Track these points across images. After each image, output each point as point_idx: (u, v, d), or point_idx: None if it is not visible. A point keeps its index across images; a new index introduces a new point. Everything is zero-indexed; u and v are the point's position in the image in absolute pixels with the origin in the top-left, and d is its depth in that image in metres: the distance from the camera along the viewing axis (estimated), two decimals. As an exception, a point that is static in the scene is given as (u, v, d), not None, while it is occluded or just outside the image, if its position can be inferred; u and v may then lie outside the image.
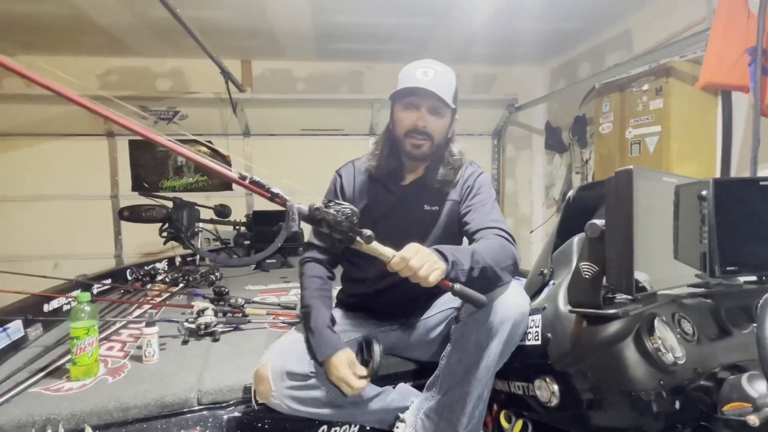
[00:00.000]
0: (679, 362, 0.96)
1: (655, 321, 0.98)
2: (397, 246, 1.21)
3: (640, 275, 0.95)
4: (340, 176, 1.46)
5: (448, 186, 1.37)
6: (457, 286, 1.03)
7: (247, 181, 0.92)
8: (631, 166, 0.87)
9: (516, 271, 1.20)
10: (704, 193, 1.04)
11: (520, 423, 1.29)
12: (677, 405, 0.98)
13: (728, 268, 1.04)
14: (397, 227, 1.32)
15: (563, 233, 1.30)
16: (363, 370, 1.19)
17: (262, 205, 4.13)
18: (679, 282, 1.12)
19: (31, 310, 1.81)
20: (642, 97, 2.78)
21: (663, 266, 1.06)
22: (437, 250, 1.06)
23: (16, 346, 1.64)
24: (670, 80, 2.60)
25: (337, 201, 1.00)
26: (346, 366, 1.16)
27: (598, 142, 3.24)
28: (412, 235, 1.32)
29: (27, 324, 1.73)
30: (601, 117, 3.15)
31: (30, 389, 1.31)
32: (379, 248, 1.03)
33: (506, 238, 1.22)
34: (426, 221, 1.36)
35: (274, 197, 0.95)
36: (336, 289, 1.54)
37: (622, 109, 2.96)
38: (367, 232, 1.00)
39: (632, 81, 2.84)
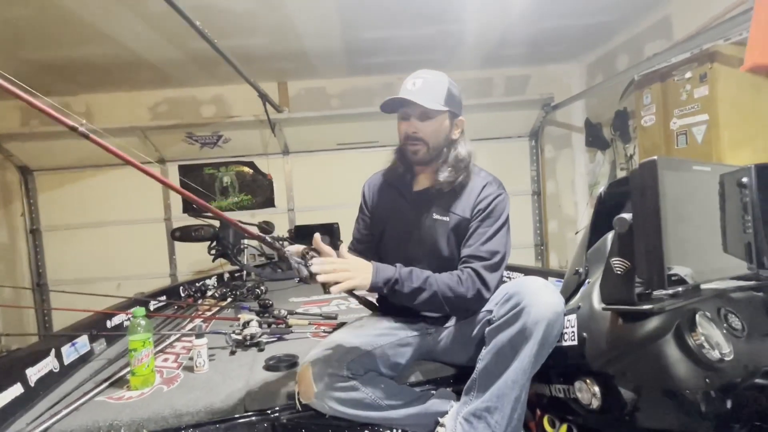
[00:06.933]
0: (727, 359, 0.91)
1: (697, 316, 0.94)
2: (408, 251, 1.40)
3: (681, 269, 0.91)
4: (366, 188, 1.60)
5: (456, 193, 1.39)
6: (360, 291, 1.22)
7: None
8: (655, 157, 0.85)
9: (469, 311, 1.32)
10: (745, 180, 0.99)
11: (564, 428, 1.26)
12: (728, 404, 0.93)
13: (777, 258, 0.98)
14: (408, 233, 1.42)
15: (597, 230, 1.27)
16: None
17: (303, 219, 4.27)
18: (726, 275, 1.06)
19: (96, 326, 1.97)
20: (685, 86, 2.65)
21: (708, 259, 1.01)
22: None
23: (84, 359, 1.79)
24: (715, 65, 2.46)
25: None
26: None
27: (642, 135, 3.10)
28: (421, 242, 1.40)
29: (92, 339, 1.89)
30: (642, 110, 3.02)
31: (95, 398, 1.43)
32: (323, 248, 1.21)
33: (473, 278, 1.28)
34: (434, 230, 1.40)
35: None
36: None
37: (665, 100, 2.82)
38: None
39: (673, 69, 2.71)
